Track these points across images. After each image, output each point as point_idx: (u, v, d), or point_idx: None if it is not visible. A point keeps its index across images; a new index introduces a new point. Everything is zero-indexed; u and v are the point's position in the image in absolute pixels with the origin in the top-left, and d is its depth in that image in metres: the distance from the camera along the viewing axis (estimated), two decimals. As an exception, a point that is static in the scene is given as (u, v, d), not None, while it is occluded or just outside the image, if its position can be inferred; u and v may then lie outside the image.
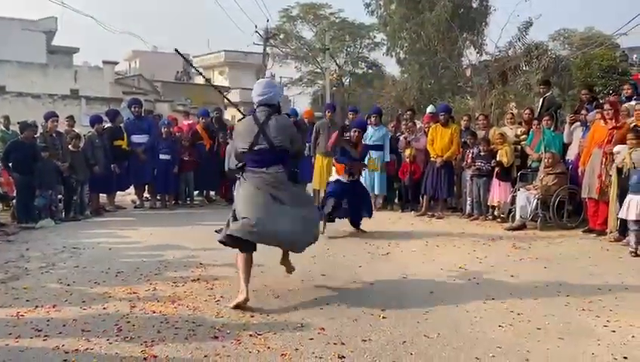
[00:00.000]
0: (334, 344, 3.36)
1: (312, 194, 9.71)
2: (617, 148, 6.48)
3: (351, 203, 6.95)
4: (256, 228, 4.01)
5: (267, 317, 3.84)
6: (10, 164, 7.60)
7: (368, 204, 7.27)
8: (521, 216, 7.40)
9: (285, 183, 4.26)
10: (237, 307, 3.96)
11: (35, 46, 25.77)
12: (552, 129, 7.95)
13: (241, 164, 4.36)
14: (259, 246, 4.25)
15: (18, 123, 8.31)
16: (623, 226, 6.24)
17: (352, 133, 7.21)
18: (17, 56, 23.15)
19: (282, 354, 3.19)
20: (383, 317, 3.85)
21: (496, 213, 8.07)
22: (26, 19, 26.66)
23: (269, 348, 3.28)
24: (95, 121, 8.87)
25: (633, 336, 3.53)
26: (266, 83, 4.51)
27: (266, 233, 4.06)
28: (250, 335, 3.47)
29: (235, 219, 4.17)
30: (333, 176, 7.24)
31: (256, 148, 4.21)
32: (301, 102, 40.49)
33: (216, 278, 4.82)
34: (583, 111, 7.94)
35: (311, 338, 3.43)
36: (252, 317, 3.84)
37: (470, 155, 8.33)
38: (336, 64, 38.02)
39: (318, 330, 3.57)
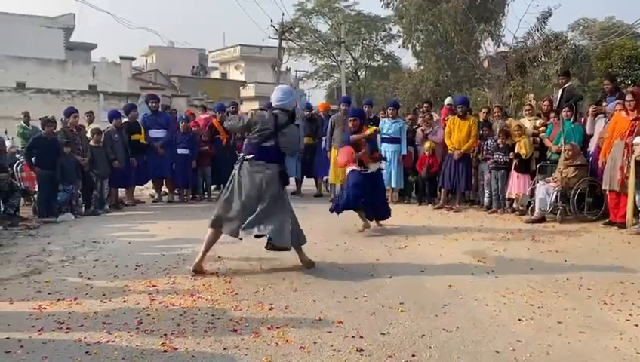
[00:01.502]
0: (352, 337, 3.35)
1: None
2: (637, 139, 6.35)
3: (368, 198, 6.73)
4: (243, 229, 4.75)
5: (285, 311, 3.84)
6: (32, 159, 7.70)
7: (382, 209, 6.90)
8: (540, 209, 7.31)
9: (276, 182, 4.78)
10: (195, 271, 4.71)
11: (54, 43, 26.16)
12: (571, 120, 7.82)
13: (249, 157, 4.75)
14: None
15: (40, 119, 8.44)
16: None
17: (350, 123, 6.99)
18: (36, 52, 23.51)
19: (301, 347, 3.20)
20: (401, 311, 3.83)
21: (514, 205, 7.98)
22: (45, 16, 27.04)
23: (287, 341, 3.29)
24: (113, 116, 8.94)
25: (657, 331, 3.46)
26: (285, 90, 5.07)
27: (250, 230, 4.75)
28: (269, 329, 3.48)
29: (226, 211, 4.79)
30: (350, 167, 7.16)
31: (266, 144, 4.71)
32: (317, 95, 40.57)
33: (234, 271, 4.85)
34: (604, 102, 7.80)
35: (329, 332, 3.44)
36: (270, 310, 3.86)
37: (485, 147, 8.25)
38: (352, 57, 37.87)
39: (336, 323, 3.57)
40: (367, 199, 6.60)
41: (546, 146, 8.05)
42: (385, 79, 29.82)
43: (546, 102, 8.77)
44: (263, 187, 4.69)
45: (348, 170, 6.85)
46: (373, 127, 7.65)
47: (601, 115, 7.62)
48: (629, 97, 6.76)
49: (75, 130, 8.28)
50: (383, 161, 7.21)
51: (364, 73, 38.68)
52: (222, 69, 46.09)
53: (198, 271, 4.78)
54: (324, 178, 10.19)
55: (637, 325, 3.56)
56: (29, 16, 26.52)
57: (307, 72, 42.42)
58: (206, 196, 9.73)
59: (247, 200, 4.70)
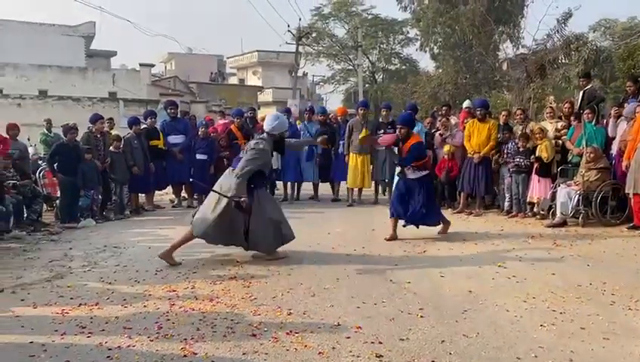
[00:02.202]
0: (372, 343, 3.35)
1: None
2: None
3: (414, 203, 6.47)
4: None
5: (304, 316, 3.85)
6: (55, 166, 7.85)
7: (432, 213, 6.57)
8: (561, 213, 7.21)
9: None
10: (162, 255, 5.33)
11: (75, 50, 26.62)
12: (593, 123, 7.71)
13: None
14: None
15: (62, 126, 8.62)
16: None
17: (397, 131, 6.79)
18: (57, 60, 23.96)
19: (319, 353, 3.20)
20: (421, 316, 3.82)
21: (535, 209, 7.89)
22: (65, 24, 27.55)
23: (306, 346, 3.30)
24: (133, 122, 9.09)
25: (684, 337, 3.39)
26: (272, 117, 5.82)
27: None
28: (288, 334, 3.49)
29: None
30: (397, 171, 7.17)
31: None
32: (334, 99, 40.66)
33: (253, 276, 4.87)
34: (626, 104, 7.68)
35: (348, 337, 3.44)
36: (289, 315, 3.87)
37: (506, 150, 8.19)
38: (369, 61, 37.85)
39: (354, 329, 3.57)
40: (407, 207, 6.45)
41: (567, 149, 7.94)
42: (403, 82, 29.76)
43: (567, 105, 8.66)
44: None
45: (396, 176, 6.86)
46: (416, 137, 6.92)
47: (624, 118, 7.49)
48: (653, 99, 6.65)
49: (99, 135, 8.45)
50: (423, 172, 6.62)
51: (381, 77, 38.64)
52: (240, 75, 46.45)
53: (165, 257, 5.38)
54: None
55: (663, 331, 3.49)
56: (50, 25, 27.07)
57: (324, 76, 42.61)
58: (224, 201, 9.78)
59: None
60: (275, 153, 7.92)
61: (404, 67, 37.19)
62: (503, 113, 8.93)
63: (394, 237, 6.51)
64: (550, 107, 9.32)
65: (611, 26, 27.40)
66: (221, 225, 5.30)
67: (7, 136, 7.78)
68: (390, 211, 6.67)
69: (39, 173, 8.80)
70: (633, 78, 8.75)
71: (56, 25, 27.22)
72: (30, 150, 9.67)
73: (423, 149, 6.86)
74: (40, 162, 9.41)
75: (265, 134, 5.67)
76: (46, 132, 11.00)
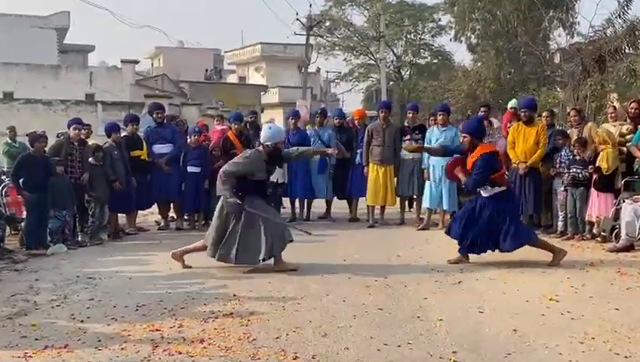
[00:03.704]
0: (394, 393, 3.32)
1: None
2: None
3: (487, 228, 6.38)
4: None
5: (312, 360, 3.84)
6: (20, 182, 7.91)
7: (515, 230, 6.39)
8: (627, 235, 7.13)
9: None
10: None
11: (46, 45, 27.05)
12: (665, 125, 7.65)
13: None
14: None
15: (28, 135, 8.70)
16: None
17: (461, 139, 6.85)
18: (26, 57, 24.33)
19: (331, 406, 3.18)
20: (454, 361, 3.79)
21: (595, 230, 7.81)
22: (36, 15, 28.04)
23: (314, 397, 3.28)
24: (112, 129, 9.12)
25: None
26: (265, 127, 7.39)
27: None
28: (292, 382, 3.48)
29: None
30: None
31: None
32: (352, 100, 40.93)
33: (252, 313, 4.86)
34: None
35: (365, 387, 3.42)
36: (295, 359, 3.86)
37: (559, 159, 8.12)
38: (394, 54, 38.09)
39: (374, 376, 3.55)
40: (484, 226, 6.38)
41: (633, 157, 7.87)
42: (434, 79, 29.85)
43: (633, 104, 8.59)
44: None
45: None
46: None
47: None
48: None
49: (75, 143, 8.49)
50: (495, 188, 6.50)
51: (408, 72, 38.82)
52: (240, 72, 46.92)
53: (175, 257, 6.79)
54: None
55: None
56: (17, 16, 27.60)
57: (340, 72, 42.86)
58: (220, 222, 9.82)
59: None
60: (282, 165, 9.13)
61: (435, 61, 37.36)
62: (545, 114, 8.89)
63: (463, 260, 6.62)
64: (612, 106, 9.26)
65: (686, 8, 27.22)
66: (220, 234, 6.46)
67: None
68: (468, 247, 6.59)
69: (1, 189, 8.90)
70: None
71: (24, 16, 27.78)
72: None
73: (495, 160, 6.51)
74: (3, 177, 9.51)
75: (260, 146, 6.62)
76: (10, 141, 11.16)
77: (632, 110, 8.45)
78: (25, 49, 24.90)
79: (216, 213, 6.55)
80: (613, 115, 8.68)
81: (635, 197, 7.33)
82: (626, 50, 14.60)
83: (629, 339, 4.12)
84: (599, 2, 16.20)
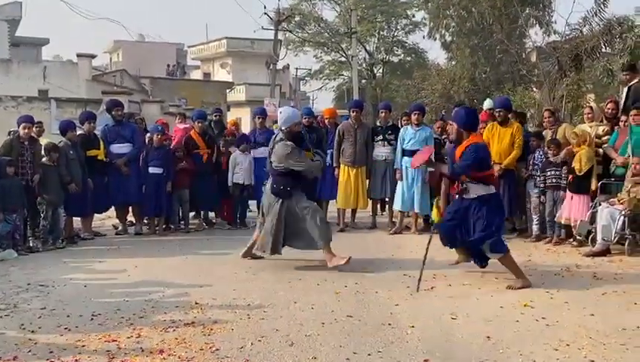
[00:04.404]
0: (363, 404, 3.34)
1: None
2: None
3: (466, 228, 6.05)
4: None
5: (278, 371, 3.84)
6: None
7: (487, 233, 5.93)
8: (603, 239, 7.27)
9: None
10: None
11: (-4, 38, 26.47)
12: (641, 126, 7.83)
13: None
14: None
15: (-27, 133, 8.52)
16: None
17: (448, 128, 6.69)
18: (-27, 50, 23.79)
19: (297, 418, 3.18)
20: (426, 370, 3.82)
21: (573, 234, 7.95)
22: (-17, 5, 27.43)
23: (280, 409, 3.28)
24: (67, 126, 8.99)
25: None
26: (278, 113, 7.49)
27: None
28: (257, 394, 3.46)
29: None
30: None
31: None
32: (323, 98, 41.02)
33: (215, 321, 4.84)
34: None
35: (333, 397, 3.42)
36: (260, 370, 3.85)
37: (533, 161, 8.29)
38: (366, 51, 38.28)
39: (342, 387, 3.56)
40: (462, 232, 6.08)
41: (610, 159, 8.04)
42: (407, 78, 30.08)
43: (609, 105, 8.78)
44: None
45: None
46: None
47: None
48: None
49: (26, 143, 8.35)
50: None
51: (381, 70, 39.06)
52: (204, 68, 46.67)
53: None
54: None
55: None
56: (-36, 6, 27.00)
57: (310, 70, 42.95)
58: (182, 226, 9.75)
59: None
60: (246, 167, 9.80)
61: (409, 59, 37.70)
62: (546, 114, 8.84)
63: (463, 260, 6.45)
64: (589, 107, 9.46)
65: (663, 8, 27.96)
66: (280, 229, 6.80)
67: None
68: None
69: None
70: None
71: (-28, 6, 27.20)
72: None
73: (486, 152, 6.22)
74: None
75: (281, 134, 6.94)
76: (-45, 140, 10.90)
77: (609, 111, 8.64)
78: (-28, 41, 24.39)
79: (265, 211, 7.00)
80: (589, 115, 8.85)
81: (612, 200, 7.49)
82: (603, 49, 14.91)
83: (604, 346, 4.20)
84: (576, 0, 16.46)
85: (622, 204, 7.29)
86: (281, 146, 6.79)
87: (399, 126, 9.75)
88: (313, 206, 7.06)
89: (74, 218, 9.16)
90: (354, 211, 9.80)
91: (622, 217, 7.18)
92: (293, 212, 6.82)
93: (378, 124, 9.92)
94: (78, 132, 9.18)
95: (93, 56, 27.89)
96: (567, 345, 4.22)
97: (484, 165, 6.02)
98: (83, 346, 4.30)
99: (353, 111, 9.83)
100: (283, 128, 6.90)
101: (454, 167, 6.10)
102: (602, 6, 15.38)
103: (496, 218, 6.01)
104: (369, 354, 4.09)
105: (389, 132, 9.53)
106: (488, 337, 4.41)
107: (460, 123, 6.14)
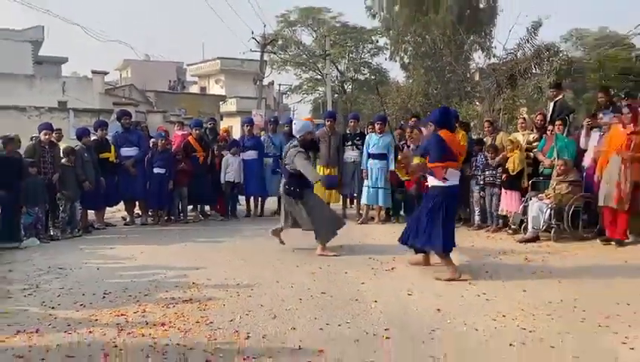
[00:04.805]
0: (334, 367, 3.33)
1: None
2: None
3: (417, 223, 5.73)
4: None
5: (263, 340, 3.81)
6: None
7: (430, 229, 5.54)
8: (533, 227, 7.36)
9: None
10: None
11: (21, 57, 25.96)
12: (564, 134, 7.95)
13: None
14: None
15: (0, 138, 8.33)
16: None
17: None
18: (2, 67, 23.29)
19: (278, 379, 3.16)
20: (387, 337, 3.82)
21: (509, 223, 8.03)
22: (11, 28, 26.89)
23: (264, 372, 3.26)
24: (82, 133, 8.89)
25: (654, 354, 3.49)
26: (294, 123, 7.99)
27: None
28: (244, 359, 3.45)
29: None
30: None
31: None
32: (302, 110, 40.81)
33: (210, 299, 4.79)
34: (600, 115, 7.94)
35: (309, 361, 3.40)
36: (247, 339, 3.82)
37: (475, 164, 8.38)
38: (338, 70, 38.19)
39: (317, 353, 3.55)
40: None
41: (539, 161, 8.14)
42: (372, 93, 30.08)
43: (539, 116, 8.89)
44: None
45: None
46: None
47: (596, 129, 7.74)
48: (625, 110, 6.88)
49: (47, 146, 8.19)
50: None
51: (350, 87, 38.99)
52: (201, 83, 46.13)
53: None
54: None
55: (633, 348, 3.58)
56: (-6, 29, 26.40)
57: (291, 85, 42.73)
58: (182, 218, 9.65)
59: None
60: (236, 167, 9.72)
61: (373, 77, 37.61)
62: (539, 117, 8.72)
63: (420, 263, 5.98)
64: (522, 118, 9.56)
65: (582, 37, 28.40)
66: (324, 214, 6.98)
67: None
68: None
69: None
70: (604, 88, 9.03)
71: (0, 29, 26.56)
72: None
73: (441, 145, 5.52)
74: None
75: (296, 141, 6.93)
76: (-15, 144, 10.64)
77: (538, 121, 8.75)
78: (1, 60, 23.81)
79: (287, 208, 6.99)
80: (522, 125, 8.95)
81: (540, 195, 7.58)
82: (534, 71, 15.14)
83: (534, 316, 4.24)
84: (512, 29, 16.69)
85: (549, 198, 7.38)
86: (293, 151, 6.77)
87: (365, 133, 9.75)
88: (319, 202, 7.10)
89: (89, 211, 9.03)
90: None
91: (549, 209, 7.27)
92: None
93: (348, 131, 9.91)
94: (92, 137, 9.06)
95: (105, 73, 27.42)
96: (504, 316, 4.26)
97: (445, 152, 5.49)
98: (96, 320, 4.24)
99: (327, 121, 9.83)
100: (298, 136, 6.92)
101: (421, 148, 5.84)
102: (533, 34, 15.66)
103: (437, 218, 5.51)
104: (339, 325, 4.08)
105: (357, 138, 9.53)
106: (438, 309, 4.43)
107: (434, 121, 5.69)
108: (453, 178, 5.58)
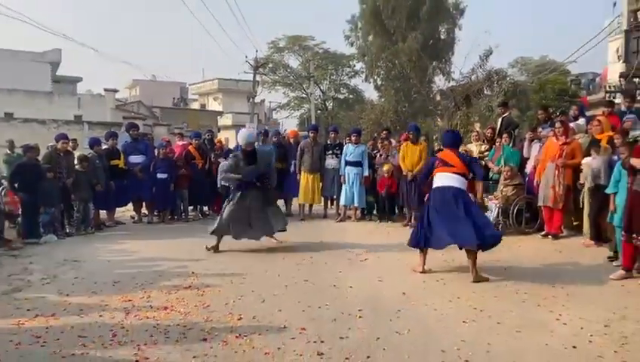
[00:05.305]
0: (314, 342, 3.35)
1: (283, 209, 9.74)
2: (586, 160, 6.44)
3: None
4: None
5: (253, 320, 3.82)
6: (16, 185, 7.46)
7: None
8: (485, 224, 7.44)
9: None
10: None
11: (41, 76, 25.63)
12: (510, 145, 8.10)
13: None
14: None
15: (21, 146, 8.24)
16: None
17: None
18: (25, 85, 22.98)
19: (265, 353, 3.18)
20: (360, 317, 3.86)
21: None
22: (33, 51, 26.52)
23: (253, 347, 3.27)
24: (94, 143, 8.82)
25: (582, 328, 3.58)
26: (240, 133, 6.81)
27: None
28: (237, 337, 3.45)
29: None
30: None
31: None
32: (289, 124, 40.74)
33: (207, 286, 4.78)
34: (540, 129, 8.12)
35: (293, 338, 3.43)
36: (239, 320, 3.82)
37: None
38: (321, 90, 38.29)
39: (299, 330, 3.57)
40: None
41: (489, 168, 8.27)
42: (350, 110, 30.24)
43: (489, 130, 9.06)
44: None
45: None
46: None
47: (537, 141, 7.91)
48: (558, 125, 7.05)
49: (62, 154, 8.09)
50: None
51: (331, 104, 39.09)
52: (201, 100, 45.85)
53: None
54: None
55: (565, 324, 3.67)
56: (17, 52, 25.99)
57: (280, 103, 42.68)
58: (183, 217, 9.59)
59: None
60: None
61: (351, 96, 37.75)
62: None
63: (420, 270, 5.28)
64: (476, 132, 9.71)
65: (526, 63, 28.92)
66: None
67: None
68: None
69: (1, 191, 8.32)
70: (544, 107, 9.29)
71: (23, 52, 26.16)
72: (-8, 170, 9.18)
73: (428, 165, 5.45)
74: (2, 181, 8.92)
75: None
76: (8, 152, 10.49)
77: (488, 134, 8.91)
78: (23, 78, 23.46)
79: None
80: (476, 137, 9.09)
81: (490, 196, 7.70)
82: (486, 92, 15.39)
83: (483, 297, 4.33)
84: (467, 56, 16.93)
85: (497, 199, 7.50)
86: (231, 157, 6.71)
87: (344, 144, 9.79)
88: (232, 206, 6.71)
89: (101, 210, 8.91)
90: (311, 205, 9.80)
91: (496, 208, 7.39)
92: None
93: (329, 142, 9.92)
94: (104, 146, 8.97)
95: (116, 91, 27.18)
96: (458, 297, 4.33)
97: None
98: (106, 305, 4.21)
99: (311, 133, 9.86)
100: (242, 145, 6.57)
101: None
102: (485, 61, 15.91)
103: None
104: (319, 307, 4.11)
105: (337, 148, 9.56)
106: (404, 293, 4.48)
107: (443, 143, 5.54)
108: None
